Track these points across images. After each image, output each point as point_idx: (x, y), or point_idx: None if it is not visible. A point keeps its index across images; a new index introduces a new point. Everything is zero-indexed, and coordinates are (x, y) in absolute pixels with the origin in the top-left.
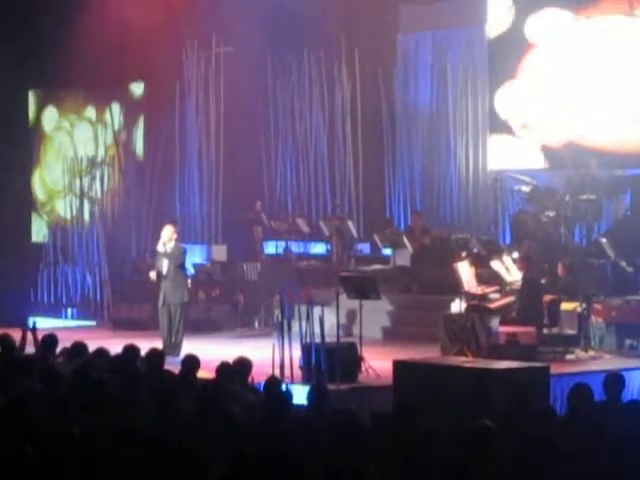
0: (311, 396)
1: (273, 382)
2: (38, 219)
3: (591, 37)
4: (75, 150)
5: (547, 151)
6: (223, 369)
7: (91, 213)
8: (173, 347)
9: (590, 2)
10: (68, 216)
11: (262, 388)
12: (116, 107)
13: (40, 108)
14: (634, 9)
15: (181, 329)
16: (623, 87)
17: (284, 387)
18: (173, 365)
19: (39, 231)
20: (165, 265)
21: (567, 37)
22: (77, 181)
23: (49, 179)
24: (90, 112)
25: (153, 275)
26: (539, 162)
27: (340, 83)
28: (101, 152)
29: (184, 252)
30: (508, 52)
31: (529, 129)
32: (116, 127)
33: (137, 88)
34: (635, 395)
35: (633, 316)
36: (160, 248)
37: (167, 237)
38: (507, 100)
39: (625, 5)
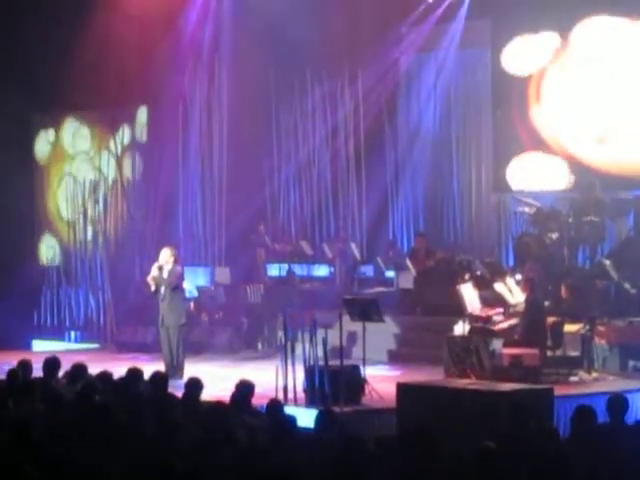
0: (319, 420)
1: (275, 405)
2: (50, 239)
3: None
4: (78, 173)
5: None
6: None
7: (94, 236)
8: (176, 369)
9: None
10: (72, 239)
11: (264, 411)
12: (118, 129)
13: (43, 131)
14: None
15: (181, 352)
16: (624, 107)
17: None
18: (176, 388)
19: (47, 251)
20: (162, 287)
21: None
22: (80, 204)
23: (53, 202)
24: (93, 135)
25: (152, 284)
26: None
27: (343, 104)
28: (104, 174)
29: (180, 275)
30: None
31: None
32: (119, 150)
33: (141, 112)
34: (639, 417)
35: (637, 337)
36: (154, 271)
37: (164, 260)
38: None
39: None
